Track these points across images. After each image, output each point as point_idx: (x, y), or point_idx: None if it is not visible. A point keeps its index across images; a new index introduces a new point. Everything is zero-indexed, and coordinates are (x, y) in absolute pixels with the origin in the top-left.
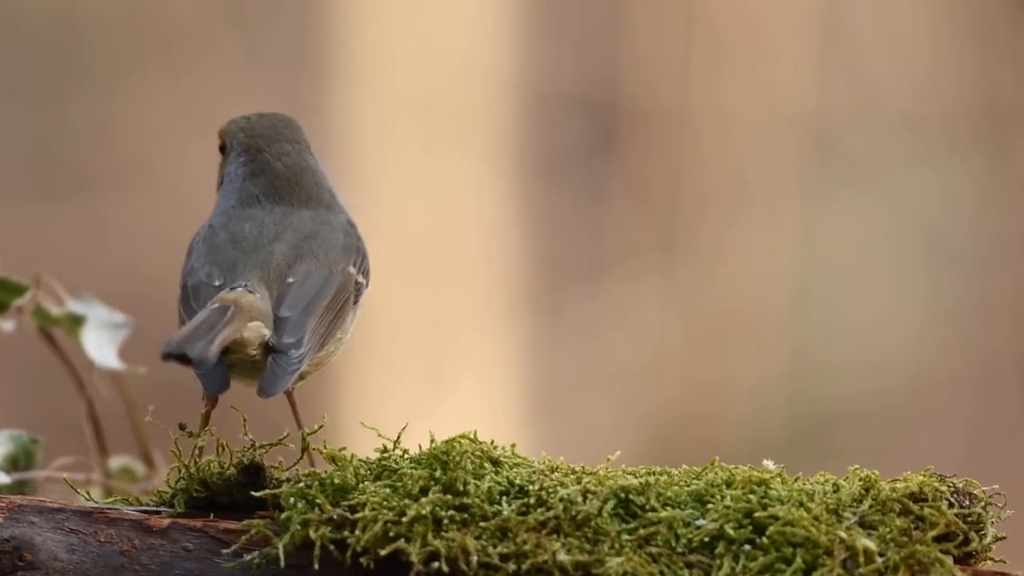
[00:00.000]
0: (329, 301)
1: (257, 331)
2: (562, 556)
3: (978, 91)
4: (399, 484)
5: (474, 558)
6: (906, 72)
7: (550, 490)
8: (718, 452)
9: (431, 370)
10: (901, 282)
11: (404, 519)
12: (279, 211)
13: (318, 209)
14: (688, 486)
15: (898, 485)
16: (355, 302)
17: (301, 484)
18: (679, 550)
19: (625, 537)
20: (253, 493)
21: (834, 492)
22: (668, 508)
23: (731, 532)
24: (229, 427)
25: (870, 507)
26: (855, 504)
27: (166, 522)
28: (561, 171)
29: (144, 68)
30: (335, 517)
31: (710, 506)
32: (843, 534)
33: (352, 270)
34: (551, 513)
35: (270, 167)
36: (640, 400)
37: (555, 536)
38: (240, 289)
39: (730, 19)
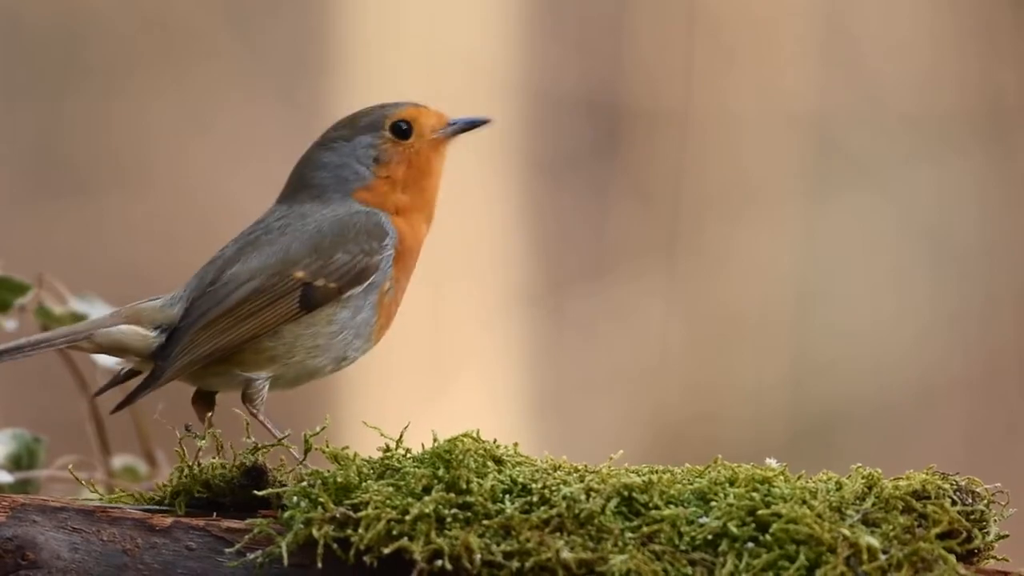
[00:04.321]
0: (230, 309)
1: (120, 336)
2: (565, 554)
3: (980, 91)
4: (402, 483)
5: (477, 556)
6: (908, 72)
7: (553, 488)
8: (721, 451)
9: (434, 369)
10: (904, 282)
11: (407, 517)
12: (279, 208)
13: (304, 203)
14: (691, 484)
15: (901, 483)
16: (305, 308)
17: (304, 483)
18: (682, 548)
19: (628, 535)
20: (256, 492)
21: (837, 490)
22: (671, 506)
23: (734, 530)
24: (232, 429)
25: (873, 505)
26: (858, 502)
27: (169, 521)
28: (564, 171)
29: (145, 68)
30: (338, 516)
31: (713, 504)
32: (846, 531)
33: (300, 274)
34: (554, 511)
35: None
36: (643, 399)
37: (558, 534)
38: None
39: (733, 20)
